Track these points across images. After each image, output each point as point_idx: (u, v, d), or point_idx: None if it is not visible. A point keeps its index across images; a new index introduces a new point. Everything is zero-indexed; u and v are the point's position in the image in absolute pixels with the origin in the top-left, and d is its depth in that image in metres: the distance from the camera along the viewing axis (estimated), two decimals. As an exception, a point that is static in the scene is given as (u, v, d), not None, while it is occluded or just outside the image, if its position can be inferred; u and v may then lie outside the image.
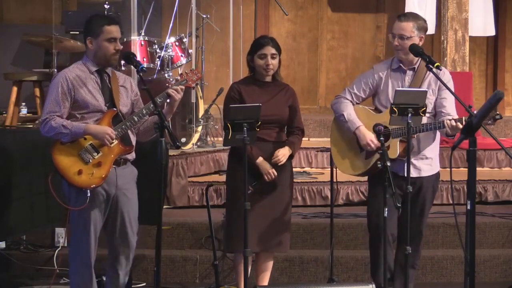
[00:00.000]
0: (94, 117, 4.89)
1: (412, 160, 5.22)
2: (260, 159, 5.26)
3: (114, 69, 5.12)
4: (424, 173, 5.30)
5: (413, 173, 5.20)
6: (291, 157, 5.39)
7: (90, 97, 4.88)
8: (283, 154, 5.30)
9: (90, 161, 4.84)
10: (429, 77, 5.28)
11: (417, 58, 5.26)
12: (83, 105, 4.87)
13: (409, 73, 5.32)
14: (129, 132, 4.99)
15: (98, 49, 4.91)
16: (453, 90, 5.25)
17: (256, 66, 5.35)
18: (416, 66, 5.30)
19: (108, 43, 4.89)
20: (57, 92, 4.84)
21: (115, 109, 4.93)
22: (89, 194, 4.81)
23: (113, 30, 4.91)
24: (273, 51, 5.32)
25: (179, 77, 5.08)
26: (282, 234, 5.37)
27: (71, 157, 4.82)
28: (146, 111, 4.87)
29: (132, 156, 5.04)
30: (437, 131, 5.24)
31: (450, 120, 5.04)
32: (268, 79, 5.39)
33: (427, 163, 5.32)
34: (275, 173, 5.29)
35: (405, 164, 5.19)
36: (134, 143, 5.04)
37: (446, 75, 5.28)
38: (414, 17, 5.31)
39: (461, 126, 5.02)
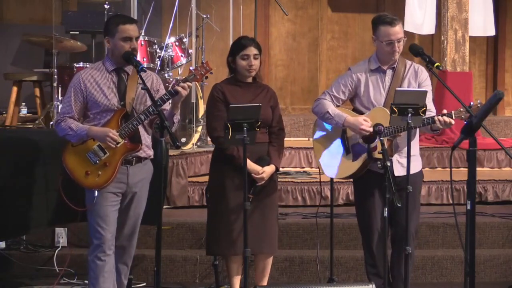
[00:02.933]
0: (106, 116, 4.94)
1: (398, 158, 5.23)
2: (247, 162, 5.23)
3: None
4: (411, 171, 5.28)
5: (400, 172, 5.20)
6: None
7: (102, 97, 4.92)
8: (267, 174, 5.29)
9: (98, 162, 4.90)
10: (408, 74, 5.31)
11: (396, 57, 5.27)
12: (94, 106, 4.94)
13: (389, 72, 5.32)
14: (142, 130, 5.02)
15: (114, 48, 4.97)
16: (430, 88, 5.28)
17: (239, 67, 5.33)
18: (395, 66, 5.31)
19: (123, 42, 4.93)
20: (70, 94, 4.96)
21: (123, 108, 4.95)
22: (96, 195, 4.89)
23: (129, 29, 4.95)
24: (256, 51, 5.31)
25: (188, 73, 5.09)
26: (270, 234, 5.37)
27: (79, 159, 4.90)
28: (153, 109, 4.87)
29: (146, 153, 5.07)
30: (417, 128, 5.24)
31: (442, 116, 5.05)
32: (249, 80, 5.39)
33: (412, 160, 5.31)
34: (265, 173, 5.27)
35: (393, 163, 5.19)
36: (146, 141, 5.07)
37: (423, 73, 5.33)
38: (397, 18, 5.34)
39: (453, 122, 5.04)
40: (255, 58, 5.31)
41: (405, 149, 5.21)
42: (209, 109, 5.42)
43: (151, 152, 5.10)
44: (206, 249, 5.51)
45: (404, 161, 5.19)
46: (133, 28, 4.97)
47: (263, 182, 5.29)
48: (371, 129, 5.14)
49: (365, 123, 5.17)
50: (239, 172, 5.07)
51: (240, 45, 5.33)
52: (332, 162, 5.38)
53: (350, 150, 5.29)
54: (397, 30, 5.22)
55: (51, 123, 7.99)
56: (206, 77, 5.15)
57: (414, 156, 5.33)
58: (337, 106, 5.37)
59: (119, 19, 5.02)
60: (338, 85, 5.37)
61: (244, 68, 5.31)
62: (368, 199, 5.27)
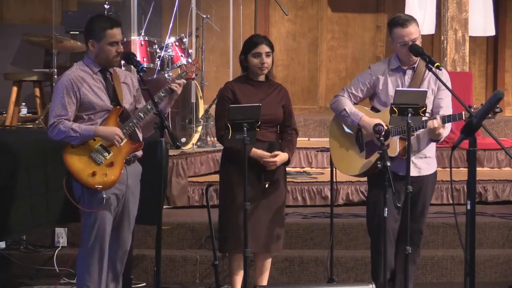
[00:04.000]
0: (101, 117, 4.90)
1: (412, 159, 5.22)
2: (253, 150, 5.19)
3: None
4: (424, 172, 5.30)
5: (414, 172, 5.19)
6: (287, 162, 5.36)
7: (95, 97, 4.88)
8: (280, 159, 5.26)
9: (102, 162, 4.84)
10: (428, 76, 5.29)
11: (417, 58, 5.27)
12: (89, 107, 4.87)
13: (409, 72, 5.31)
14: (136, 129, 5.00)
15: (100, 51, 4.90)
16: (449, 94, 5.27)
17: (251, 65, 5.32)
18: (415, 66, 5.30)
19: (111, 46, 4.89)
20: (62, 95, 4.84)
21: (119, 107, 4.93)
22: (104, 195, 4.83)
23: (116, 33, 4.91)
24: (267, 49, 5.30)
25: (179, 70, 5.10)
26: (276, 234, 5.35)
27: (83, 159, 4.82)
28: (151, 107, 4.87)
29: (140, 153, 5.06)
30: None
31: (433, 120, 5.03)
32: (262, 78, 5.37)
33: (426, 162, 5.32)
34: (274, 157, 5.25)
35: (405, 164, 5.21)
36: (141, 139, 5.06)
37: (444, 75, 5.28)
38: (412, 17, 5.34)
39: (436, 125, 5.01)
40: (267, 56, 5.30)
41: (423, 150, 5.24)
42: (217, 109, 5.43)
43: (141, 152, 5.09)
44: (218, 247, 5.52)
45: (418, 162, 5.20)
46: (119, 32, 4.93)
47: (274, 167, 5.25)
48: (385, 127, 5.14)
49: (382, 123, 5.17)
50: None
51: (252, 43, 5.32)
52: (346, 159, 5.40)
53: (364, 148, 5.30)
54: (410, 31, 5.21)
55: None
56: (196, 74, 5.13)
57: (430, 158, 5.34)
58: (355, 104, 5.38)
59: (106, 23, 4.93)
60: (357, 83, 5.38)
61: (257, 66, 5.30)
62: (379, 198, 5.24)
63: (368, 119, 5.25)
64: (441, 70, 5.09)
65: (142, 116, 4.89)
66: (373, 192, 5.37)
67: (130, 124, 4.89)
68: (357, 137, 5.34)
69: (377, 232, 5.31)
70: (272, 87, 5.40)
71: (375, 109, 5.37)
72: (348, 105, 5.33)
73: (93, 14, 5.15)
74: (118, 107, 4.93)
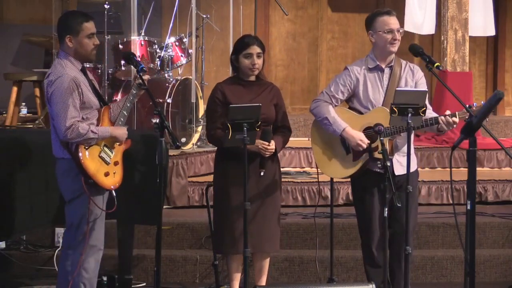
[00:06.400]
0: (95, 116, 4.88)
1: (397, 157, 5.24)
2: None
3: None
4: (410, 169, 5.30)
5: (400, 170, 5.21)
6: (274, 153, 5.34)
7: (92, 96, 4.87)
8: (271, 150, 5.25)
9: (110, 161, 4.83)
10: (405, 74, 5.31)
11: (393, 55, 5.27)
12: (88, 106, 4.84)
13: (387, 71, 5.31)
14: None
15: (79, 46, 4.85)
16: (425, 88, 5.27)
17: (242, 66, 5.31)
18: (392, 64, 5.30)
19: (88, 39, 4.87)
20: (72, 97, 4.74)
21: (107, 105, 4.94)
22: (114, 194, 4.83)
23: (91, 26, 4.90)
24: (259, 50, 5.29)
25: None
26: (272, 233, 5.35)
27: (96, 160, 4.78)
28: (130, 105, 4.90)
29: None
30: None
31: (444, 116, 5.06)
32: (252, 78, 5.37)
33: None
34: (269, 144, 5.22)
35: (393, 163, 5.20)
36: None
37: (419, 72, 5.34)
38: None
39: (456, 120, 5.05)
40: (258, 57, 5.29)
41: (403, 148, 5.23)
42: (207, 110, 5.44)
43: None
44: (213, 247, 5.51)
45: (402, 159, 5.20)
46: (93, 25, 4.93)
47: (269, 154, 5.23)
48: (365, 147, 5.17)
49: (365, 140, 5.18)
50: (241, 171, 5.05)
51: (243, 43, 5.31)
52: (332, 162, 5.37)
53: (350, 150, 5.28)
54: (396, 21, 5.27)
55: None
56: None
57: (411, 154, 5.34)
58: (335, 106, 5.36)
59: (82, 17, 4.93)
60: (337, 85, 5.34)
61: (247, 67, 5.29)
62: (367, 199, 5.26)
63: (352, 132, 5.22)
64: (441, 69, 5.11)
65: (126, 114, 4.91)
66: (360, 192, 5.35)
67: (120, 123, 4.90)
68: (343, 139, 5.31)
69: (367, 232, 5.31)
70: (263, 86, 5.39)
71: (355, 110, 5.33)
72: (331, 113, 5.28)
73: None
74: (106, 106, 4.92)
